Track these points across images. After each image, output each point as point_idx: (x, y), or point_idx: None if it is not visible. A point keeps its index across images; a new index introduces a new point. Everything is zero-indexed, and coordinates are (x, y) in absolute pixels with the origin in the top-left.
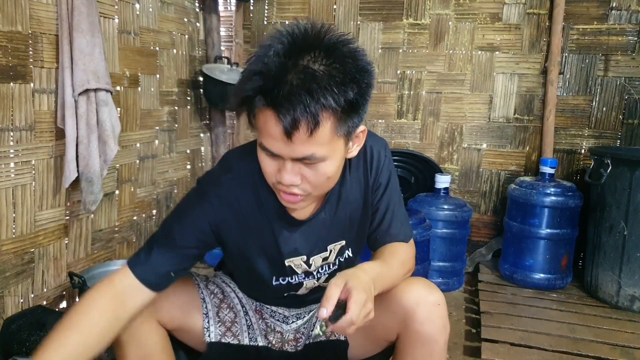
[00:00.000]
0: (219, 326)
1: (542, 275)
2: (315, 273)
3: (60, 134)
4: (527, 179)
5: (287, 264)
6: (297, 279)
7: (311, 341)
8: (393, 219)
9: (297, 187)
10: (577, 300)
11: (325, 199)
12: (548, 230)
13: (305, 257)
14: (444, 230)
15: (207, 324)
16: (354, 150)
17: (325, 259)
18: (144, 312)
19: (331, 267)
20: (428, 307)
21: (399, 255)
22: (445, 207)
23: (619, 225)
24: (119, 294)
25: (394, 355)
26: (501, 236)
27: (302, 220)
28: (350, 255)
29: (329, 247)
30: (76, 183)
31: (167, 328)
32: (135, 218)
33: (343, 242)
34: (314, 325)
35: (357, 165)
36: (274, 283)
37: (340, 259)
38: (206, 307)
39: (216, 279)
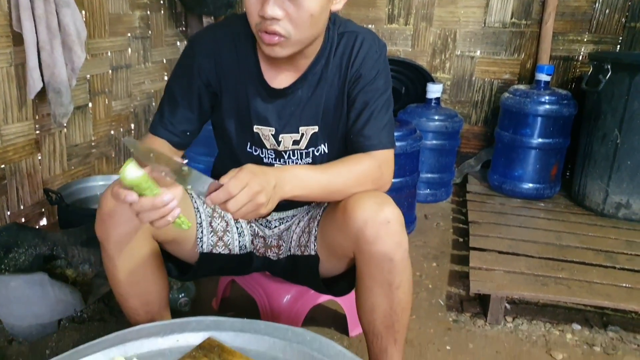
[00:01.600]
0: (212, 236)
1: (531, 185)
2: (286, 157)
3: (18, 39)
4: (522, 87)
5: (255, 130)
6: (267, 157)
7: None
8: (370, 120)
9: (278, 24)
10: (564, 209)
11: (304, 73)
12: (540, 140)
13: (274, 131)
14: (434, 142)
15: (200, 234)
16: (339, 1)
17: (296, 142)
18: (139, 229)
19: (304, 157)
20: (377, 226)
21: (356, 165)
22: (436, 117)
23: (612, 134)
24: None
25: (356, 275)
26: (491, 147)
27: (277, 89)
28: (326, 151)
29: (300, 129)
30: (44, 95)
31: (160, 240)
32: (112, 132)
33: (316, 129)
34: (294, 233)
35: (342, 52)
36: (247, 149)
37: (315, 152)
38: (200, 217)
39: None
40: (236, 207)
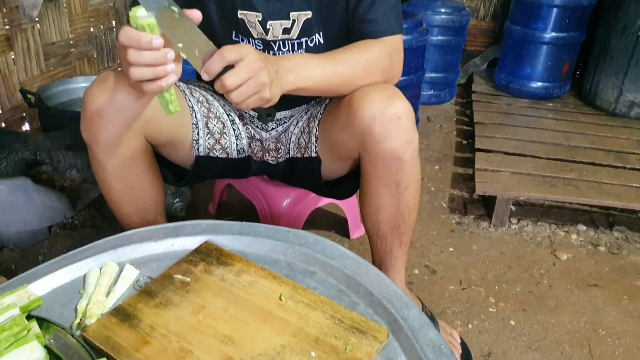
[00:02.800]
0: (208, 138)
1: (540, 83)
2: (275, 48)
3: None
4: None
5: (240, 16)
6: (255, 46)
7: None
8: (375, 1)
9: None
10: (573, 109)
11: None
12: (553, 34)
13: (260, 17)
14: (439, 38)
15: (196, 136)
16: None
17: (286, 30)
18: (132, 128)
19: (295, 48)
20: (385, 122)
21: (365, 53)
22: (443, 10)
23: (633, 25)
24: None
25: (361, 175)
26: (498, 44)
27: None
28: (321, 41)
29: (291, 15)
30: None
31: (153, 143)
32: (92, 30)
33: (309, 14)
34: (292, 135)
35: None
36: (233, 38)
37: (309, 43)
38: (195, 117)
39: (195, 86)
40: (240, 99)
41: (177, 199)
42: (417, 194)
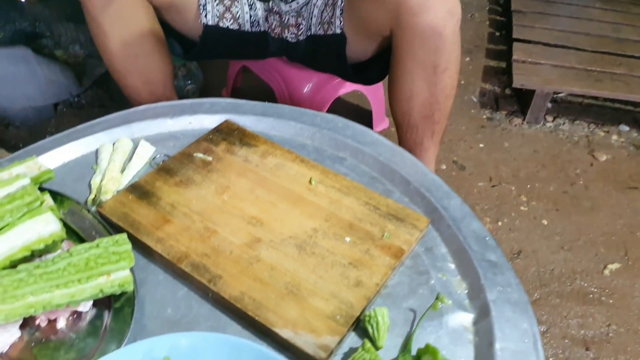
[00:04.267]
0: (217, 4)
1: None
2: None
3: None
4: None
5: None
6: None
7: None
8: None
9: None
10: None
11: None
12: None
13: None
14: None
15: (203, 1)
16: None
17: None
18: None
19: None
20: None
21: None
22: None
23: None
24: None
25: (392, 56)
26: None
27: None
28: None
29: None
30: None
31: (156, 4)
32: None
33: None
34: (315, 7)
35: None
36: None
37: None
38: None
39: None
40: None
41: (189, 81)
42: (456, 77)
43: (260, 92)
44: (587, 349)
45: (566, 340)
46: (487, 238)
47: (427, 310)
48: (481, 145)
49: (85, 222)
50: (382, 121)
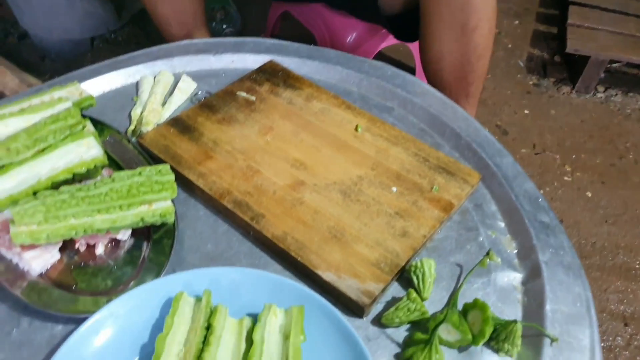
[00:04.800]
0: None
1: None
2: None
3: None
4: None
5: None
6: None
7: None
8: None
9: None
10: None
11: None
12: None
13: None
14: None
15: None
16: None
17: None
18: None
19: None
20: None
21: None
22: None
23: None
24: None
25: (420, 15)
26: None
27: None
28: None
29: None
30: None
31: None
32: None
33: None
34: None
35: None
36: None
37: None
38: None
39: None
40: None
41: (226, 25)
42: (490, 36)
43: (299, 41)
44: (625, 325)
45: (604, 314)
46: (540, 199)
47: (475, 266)
48: (526, 111)
49: (125, 152)
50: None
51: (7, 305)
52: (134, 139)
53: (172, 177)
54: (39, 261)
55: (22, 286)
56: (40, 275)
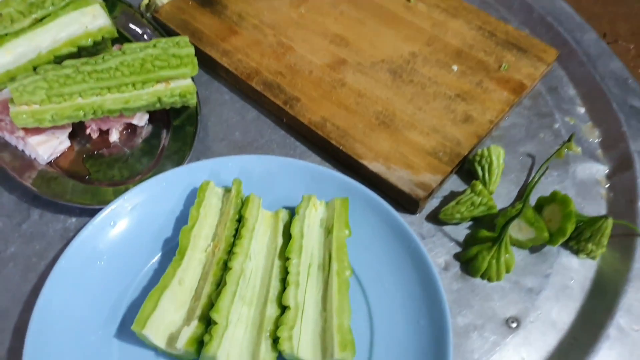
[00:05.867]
0: None
1: None
2: None
3: None
4: None
5: None
6: None
7: None
8: None
9: None
10: None
11: None
12: None
13: None
14: None
15: None
16: None
17: None
18: None
19: None
20: None
21: None
22: None
23: None
24: None
25: None
26: None
27: None
28: None
29: None
30: None
31: None
32: None
33: None
34: None
35: None
36: None
37: None
38: None
39: None
40: None
41: None
42: None
43: None
44: None
45: None
46: (630, 80)
47: (550, 157)
48: None
49: (139, 28)
50: None
51: (15, 196)
52: (148, 14)
53: (191, 50)
54: (46, 147)
55: (31, 176)
56: (50, 164)
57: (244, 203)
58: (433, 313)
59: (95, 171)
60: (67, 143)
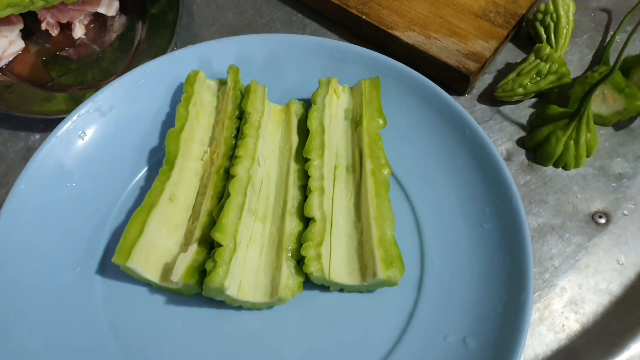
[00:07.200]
0: None
1: None
2: None
3: None
4: None
5: None
6: None
7: None
8: None
9: None
10: None
11: None
12: None
13: None
14: None
15: None
16: None
17: None
18: None
19: None
20: None
21: None
22: None
23: None
24: None
25: None
26: None
27: None
28: None
29: None
30: None
31: None
32: None
33: None
34: None
35: None
36: None
37: None
38: None
39: None
40: None
41: None
42: None
43: None
44: None
45: None
46: None
47: (632, 9)
48: None
49: None
50: None
51: None
52: None
53: None
54: None
55: None
56: (1, 70)
57: (244, 95)
58: (501, 213)
59: (59, 74)
60: (21, 44)
